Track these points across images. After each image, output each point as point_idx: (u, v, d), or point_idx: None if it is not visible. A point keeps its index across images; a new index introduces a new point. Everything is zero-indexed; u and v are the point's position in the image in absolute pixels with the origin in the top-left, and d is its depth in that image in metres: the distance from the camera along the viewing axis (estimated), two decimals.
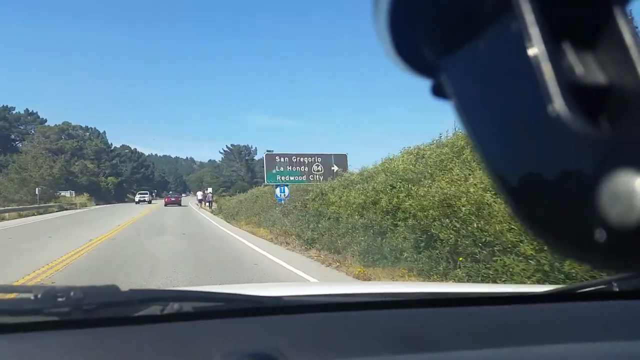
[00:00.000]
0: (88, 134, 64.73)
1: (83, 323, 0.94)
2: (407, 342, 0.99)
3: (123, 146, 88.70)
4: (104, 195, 63.25)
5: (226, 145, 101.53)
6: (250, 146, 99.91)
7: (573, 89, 0.26)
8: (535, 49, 0.26)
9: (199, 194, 40.96)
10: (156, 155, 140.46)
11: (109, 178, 65.44)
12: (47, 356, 0.88)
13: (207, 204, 37.40)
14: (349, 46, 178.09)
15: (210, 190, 43.70)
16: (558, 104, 0.25)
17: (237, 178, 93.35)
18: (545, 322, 1.13)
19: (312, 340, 0.98)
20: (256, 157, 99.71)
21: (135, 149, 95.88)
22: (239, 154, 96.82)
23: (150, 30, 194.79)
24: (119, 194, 70.44)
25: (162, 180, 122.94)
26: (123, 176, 74.28)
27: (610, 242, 0.24)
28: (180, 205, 42.32)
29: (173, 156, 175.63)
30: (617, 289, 1.21)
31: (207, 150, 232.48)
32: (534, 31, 0.26)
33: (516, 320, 1.15)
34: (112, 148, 78.88)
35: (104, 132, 77.34)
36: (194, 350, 0.90)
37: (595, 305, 1.27)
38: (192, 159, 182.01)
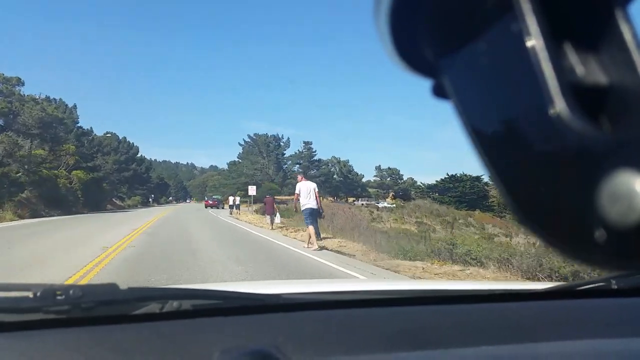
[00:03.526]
0: (38, 97, 38.04)
1: (82, 321, 0.94)
2: (408, 340, 0.99)
3: (107, 133, 63.70)
4: (64, 199, 37.40)
5: (248, 135, 76.84)
6: (280, 136, 75.02)
7: (574, 89, 0.26)
8: (536, 49, 0.26)
9: (304, 189, 10.38)
10: (156, 160, 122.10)
11: (74, 173, 40.09)
12: (46, 354, 0.88)
13: (308, 221, 10.57)
14: (348, 54, 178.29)
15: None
16: (559, 104, 0.25)
17: (263, 177, 68.07)
18: (545, 319, 1.13)
19: (312, 337, 0.98)
20: (287, 152, 74.94)
21: (125, 137, 70.68)
22: (266, 147, 71.71)
23: (145, 36, 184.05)
24: (97, 198, 45.18)
25: (162, 183, 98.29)
26: (101, 172, 48.98)
27: (610, 241, 0.24)
28: (217, 207, 36.48)
29: (173, 161, 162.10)
30: (615, 287, 1.22)
31: (206, 158, 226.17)
32: (535, 31, 0.26)
33: (515, 318, 1.15)
34: (87, 130, 53.40)
35: (75, 105, 52.22)
36: (192, 348, 0.89)
37: (594, 302, 1.28)
38: (192, 165, 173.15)
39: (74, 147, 41.32)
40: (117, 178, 62.03)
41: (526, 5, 0.26)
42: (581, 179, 0.25)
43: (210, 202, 50.85)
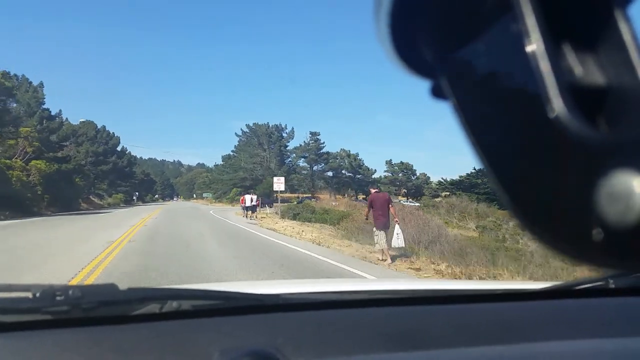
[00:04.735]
0: None
1: (81, 322, 0.93)
2: (405, 340, 0.99)
3: (83, 120, 54.37)
4: (20, 196, 28.56)
5: (246, 125, 67.81)
6: (282, 125, 66.21)
7: (572, 90, 0.26)
8: (535, 50, 0.26)
9: None
10: (141, 157, 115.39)
11: (33, 163, 31.04)
12: (45, 355, 0.87)
13: None
14: (348, 53, 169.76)
15: None
16: (557, 104, 0.25)
17: (264, 172, 59.29)
18: (542, 319, 1.13)
19: (311, 337, 0.98)
20: (291, 144, 66.36)
21: (104, 126, 61.30)
22: (267, 138, 62.99)
23: (136, 34, 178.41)
24: (67, 195, 36.33)
25: (147, 179, 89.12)
26: (72, 163, 39.82)
27: (608, 241, 0.24)
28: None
29: (159, 159, 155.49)
30: (613, 286, 1.22)
31: (193, 156, 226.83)
32: (534, 32, 0.26)
33: (513, 317, 1.15)
34: (55, 114, 43.92)
35: (41, 83, 42.31)
36: (192, 348, 0.89)
37: (591, 302, 1.27)
38: (179, 162, 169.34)
39: (34, 131, 32.37)
40: (93, 172, 52.74)
41: (525, 6, 0.26)
42: (579, 179, 0.25)
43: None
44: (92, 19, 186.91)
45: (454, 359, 0.95)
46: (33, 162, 30.97)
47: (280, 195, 25.59)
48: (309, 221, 21.11)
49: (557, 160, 0.26)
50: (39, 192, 31.17)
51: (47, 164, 32.15)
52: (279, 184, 22.68)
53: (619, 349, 1.01)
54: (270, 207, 33.22)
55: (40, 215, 28.73)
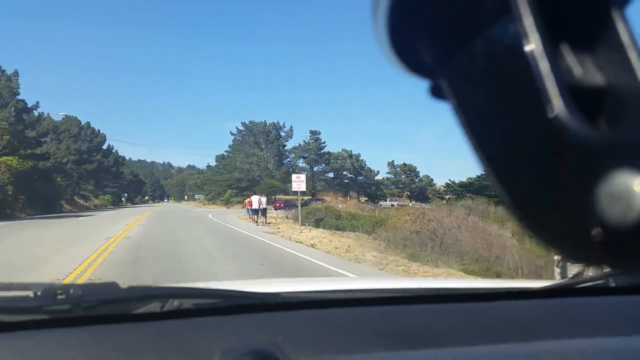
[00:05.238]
0: None
1: (82, 320, 0.94)
2: (406, 339, 0.99)
3: (65, 115, 50.18)
4: None
5: (242, 123, 63.91)
6: (280, 124, 62.46)
7: (571, 90, 0.26)
8: (534, 50, 0.26)
9: None
10: (130, 159, 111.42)
11: (3, 159, 27.05)
12: (46, 354, 0.88)
13: None
14: (337, 54, 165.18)
15: None
16: (557, 105, 0.25)
17: (262, 173, 55.48)
18: (542, 318, 1.13)
19: (312, 336, 0.98)
20: (289, 144, 62.68)
21: (88, 123, 57.02)
22: (264, 136, 59.19)
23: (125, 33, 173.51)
24: (47, 196, 32.49)
25: (137, 180, 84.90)
26: (52, 161, 35.77)
27: (609, 240, 0.25)
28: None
29: (149, 160, 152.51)
30: (613, 285, 1.23)
31: (184, 157, 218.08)
32: (533, 33, 0.26)
33: (513, 316, 1.15)
34: (32, 106, 39.57)
35: (16, 72, 35.86)
36: (194, 347, 0.89)
37: (592, 300, 1.27)
38: (169, 164, 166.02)
39: (4, 123, 28.42)
40: (76, 171, 48.61)
41: (523, 6, 0.26)
42: (579, 179, 0.25)
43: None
44: (91, 18, 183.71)
45: (455, 357, 0.95)
46: (3, 158, 27.13)
47: (280, 197, 21.83)
48: (337, 229, 17.26)
49: (557, 160, 0.26)
50: (10, 192, 27.24)
51: (20, 160, 28.25)
52: (299, 182, 18.37)
53: (620, 348, 1.01)
54: (276, 210, 29.47)
55: (13, 218, 24.86)
